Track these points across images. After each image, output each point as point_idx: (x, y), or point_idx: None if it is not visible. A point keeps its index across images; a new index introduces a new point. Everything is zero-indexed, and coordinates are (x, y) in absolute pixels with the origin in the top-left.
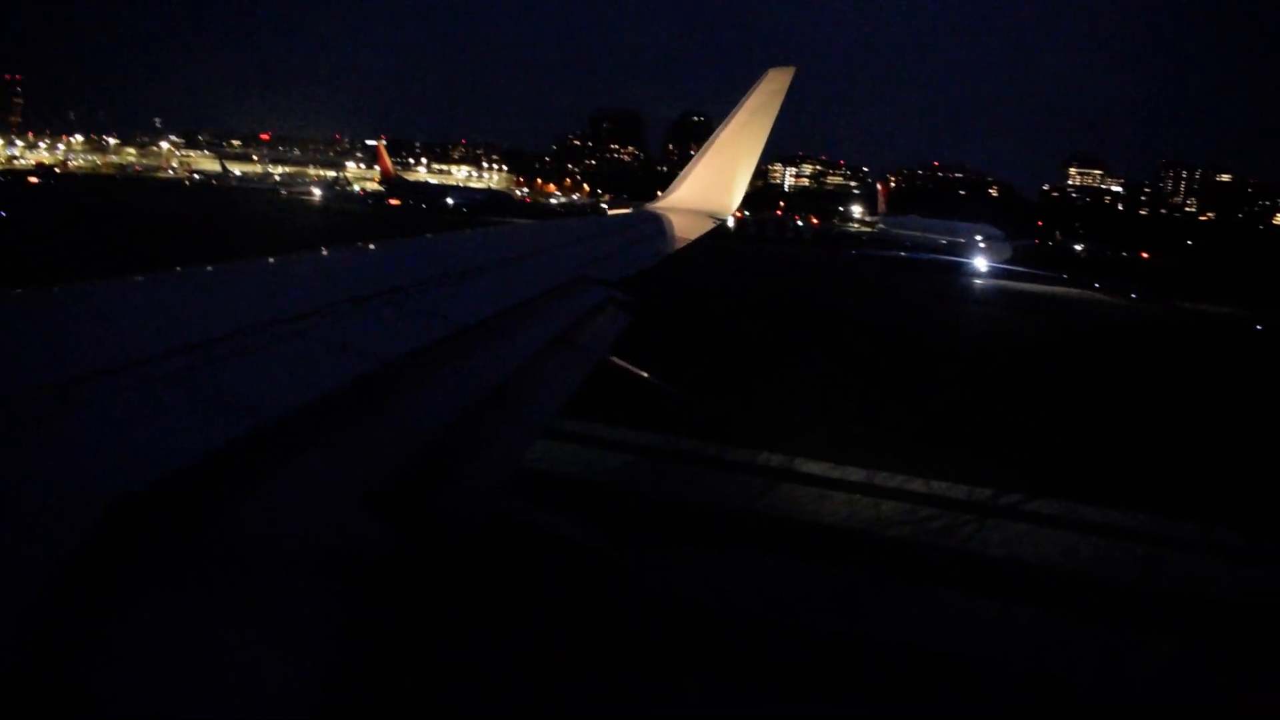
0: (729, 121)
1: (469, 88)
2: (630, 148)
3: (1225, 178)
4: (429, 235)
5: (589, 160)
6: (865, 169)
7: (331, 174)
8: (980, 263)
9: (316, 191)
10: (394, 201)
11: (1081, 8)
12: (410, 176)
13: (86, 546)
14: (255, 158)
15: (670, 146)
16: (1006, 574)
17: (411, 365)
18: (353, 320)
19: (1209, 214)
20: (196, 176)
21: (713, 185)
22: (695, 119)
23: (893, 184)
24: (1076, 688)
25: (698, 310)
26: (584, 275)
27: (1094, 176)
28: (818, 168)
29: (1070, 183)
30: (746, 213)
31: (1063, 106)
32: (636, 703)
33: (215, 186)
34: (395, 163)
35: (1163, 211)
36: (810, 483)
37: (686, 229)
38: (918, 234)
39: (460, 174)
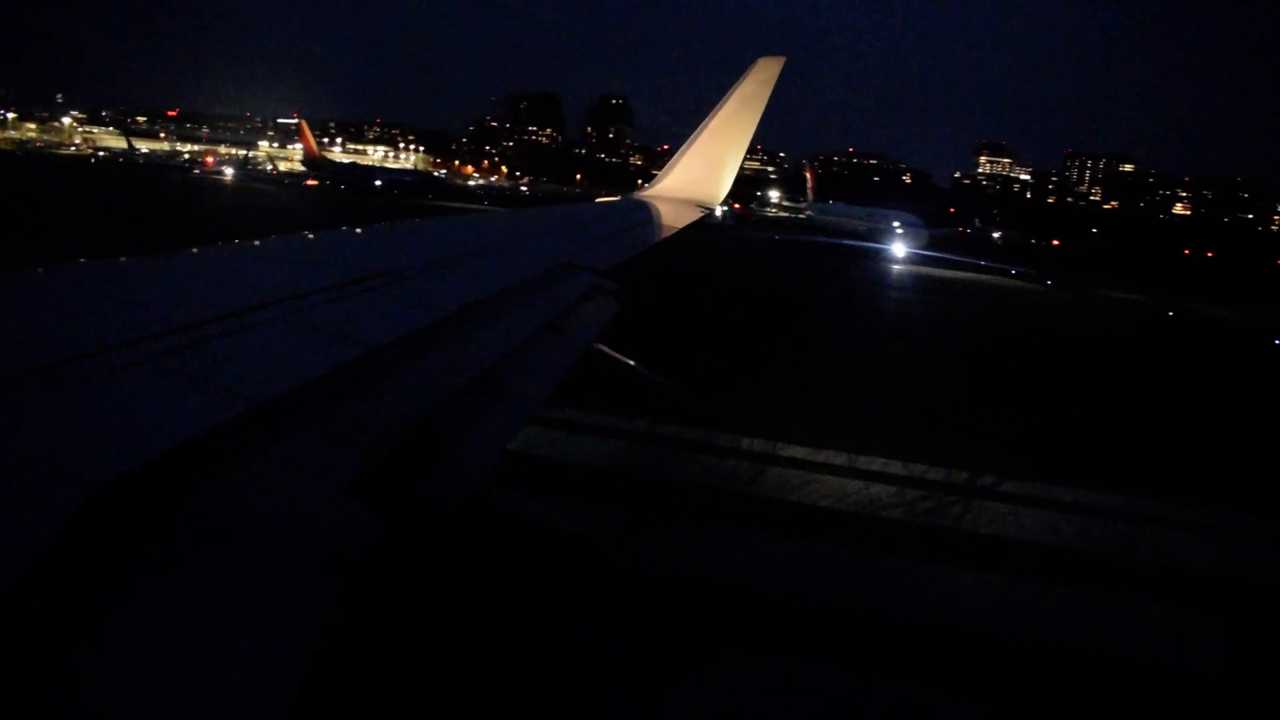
0: (718, 110)
1: (385, 67)
2: (548, 130)
3: (1127, 167)
4: (414, 220)
5: (506, 142)
6: (782, 155)
7: (244, 152)
8: (901, 248)
9: (229, 171)
10: (312, 182)
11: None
12: (328, 157)
13: (69, 530)
14: (162, 135)
15: (589, 129)
16: (991, 549)
17: (397, 351)
18: (338, 305)
19: (1113, 203)
20: (101, 154)
21: (701, 174)
22: (614, 101)
23: (808, 172)
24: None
25: (684, 298)
26: (572, 263)
27: (1003, 165)
28: None
29: (980, 170)
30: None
31: (973, 96)
32: (623, 670)
33: (121, 164)
34: None
35: (1069, 200)
36: (795, 465)
37: (674, 217)
38: (844, 220)
39: (376, 155)
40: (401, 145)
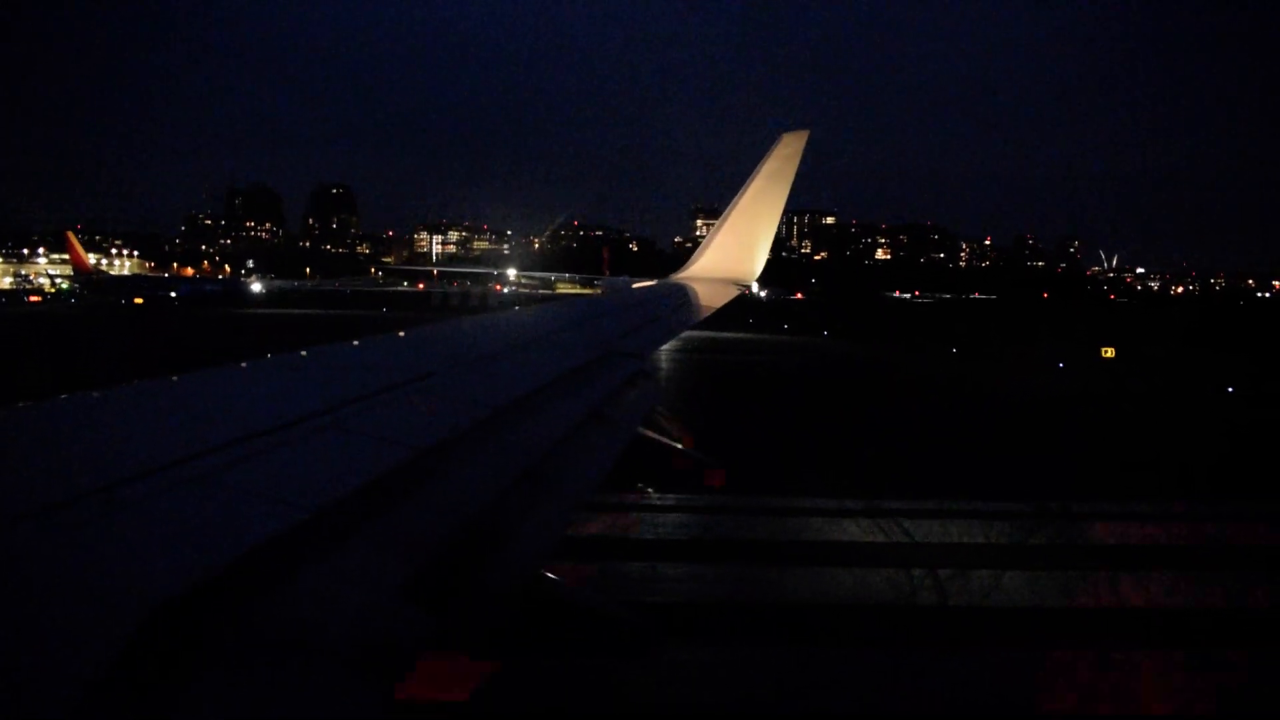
0: (747, 188)
1: (79, 165)
2: (268, 224)
3: (830, 220)
4: (455, 320)
5: (224, 239)
6: (510, 231)
7: None
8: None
9: None
10: (34, 299)
11: (687, 77)
12: (26, 270)
13: (132, 646)
14: None
15: (311, 220)
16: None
17: (447, 450)
18: (384, 408)
19: (823, 253)
20: None
21: (734, 253)
22: (335, 190)
23: (536, 244)
24: None
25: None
26: (614, 349)
27: None
28: (463, 234)
29: (699, 233)
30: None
31: (683, 164)
32: None
33: None
34: None
35: (784, 254)
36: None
37: (711, 297)
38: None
39: (87, 261)
40: (113, 250)
